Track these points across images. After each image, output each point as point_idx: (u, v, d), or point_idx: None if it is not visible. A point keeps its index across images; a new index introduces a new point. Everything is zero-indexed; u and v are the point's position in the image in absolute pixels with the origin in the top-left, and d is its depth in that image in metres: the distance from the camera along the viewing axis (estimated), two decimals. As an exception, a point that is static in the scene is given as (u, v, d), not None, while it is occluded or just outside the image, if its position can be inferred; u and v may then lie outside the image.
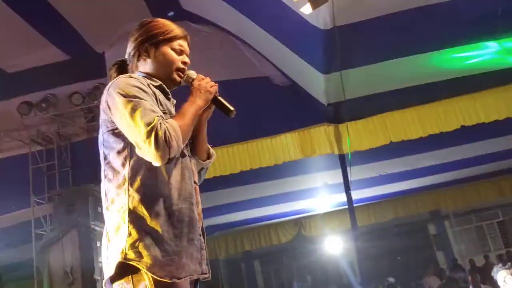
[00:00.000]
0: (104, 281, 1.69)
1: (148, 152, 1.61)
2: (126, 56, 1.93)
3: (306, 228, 12.91)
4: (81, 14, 6.48)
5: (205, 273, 1.76)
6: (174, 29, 1.91)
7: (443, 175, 9.97)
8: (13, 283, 9.21)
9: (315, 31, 4.95)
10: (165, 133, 1.60)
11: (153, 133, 1.58)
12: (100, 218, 6.48)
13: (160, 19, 1.94)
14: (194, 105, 1.79)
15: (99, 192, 5.99)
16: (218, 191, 7.86)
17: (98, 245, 6.24)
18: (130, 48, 1.91)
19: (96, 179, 7.02)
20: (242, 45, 6.93)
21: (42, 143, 7.55)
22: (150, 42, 1.87)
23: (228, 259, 14.13)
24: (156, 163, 1.63)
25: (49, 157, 7.53)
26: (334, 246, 13.20)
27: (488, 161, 9.40)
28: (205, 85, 1.84)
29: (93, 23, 6.80)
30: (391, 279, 11.45)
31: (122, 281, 1.63)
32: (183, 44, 1.92)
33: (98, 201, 6.49)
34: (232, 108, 1.87)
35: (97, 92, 7.26)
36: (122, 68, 1.92)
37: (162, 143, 1.59)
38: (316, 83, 6.04)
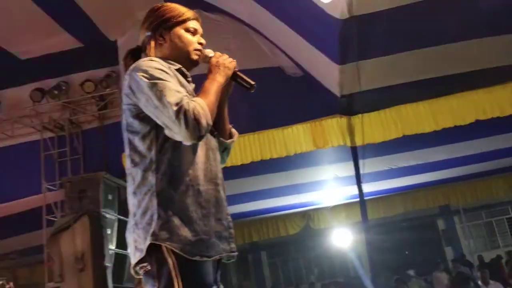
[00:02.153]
0: (132, 265, 1.70)
1: (178, 132, 1.61)
2: (140, 44, 1.93)
3: (314, 221, 12.88)
4: (95, 1, 6.47)
5: (234, 251, 1.79)
6: (186, 11, 1.93)
7: (454, 169, 9.88)
8: (24, 269, 9.30)
9: (331, 21, 4.88)
10: (193, 111, 1.60)
11: (182, 112, 1.59)
12: (111, 205, 6.51)
13: (169, 3, 1.95)
14: (215, 82, 1.79)
15: (110, 180, 6.01)
16: (228, 181, 7.83)
17: (109, 232, 6.27)
18: (143, 35, 1.91)
19: (107, 167, 7.06)
20: (256, 34, 6.88)
21: (54, 130, 7.58)
22: (164, 26, 1.88)
23: (235, 249, 14.18)
24: (187, 142, 1.64)
25: (61, 144, 7.56)
26: (341, 239, 13.19)
27: (501, 156, 9.30)
28: (223, 61, 1.85)
29: (106, 11, 6.79)
30: (411, 272, 11.42)
31: (145, 263, 1.64)
32: (196, 24, 1.93)
33: (109, 189, 6.55)
34: (252, 82, 1.88)
35: (109, 79, 7.28)
36: (137, 55, 1.91)
37: (192, 122, 1.59)
38: (330, 74, 5.97)
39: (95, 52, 7.17)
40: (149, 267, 1.63)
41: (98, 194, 6.31)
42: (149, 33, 1.89)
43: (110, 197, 6.51)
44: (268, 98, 6.70)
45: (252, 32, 6.87)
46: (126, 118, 1.77)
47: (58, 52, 7.08)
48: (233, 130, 2.01)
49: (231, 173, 7.09)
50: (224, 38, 6.81)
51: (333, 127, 6.62)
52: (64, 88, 7.36)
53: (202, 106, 1.65)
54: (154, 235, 1.61)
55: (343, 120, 6.61)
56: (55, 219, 7.01)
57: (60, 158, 7.53)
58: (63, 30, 6.78)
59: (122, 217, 6.48)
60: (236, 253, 1.81)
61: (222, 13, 6.88)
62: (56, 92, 7.32)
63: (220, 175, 1.83)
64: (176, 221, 1.62)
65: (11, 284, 7.48)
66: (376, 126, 6.56)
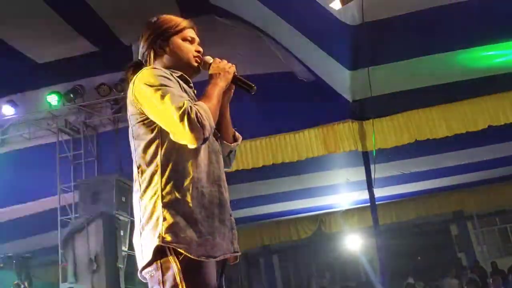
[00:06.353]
0: (139, 270, 1.73)
1: (183, 135, 1.65)
2: (140, 57, 1.98)
3: (326, 225, 12.87)
4: (110, 6, 6.58)
5: (237, 252, 1.82)
6: (182, 21, 1.97)
7: (467, 175, 9.81)
8: (38, 269, 9.43)
9: (343, 27, 4.91)
10: (196, 114, 1.64)
11: (186, 116, 1.62)
12: (124, 207, 6.59)
13: (165, 15, 1.99)
14: (217, 86, 1.84)
15: (124, 182, 6.07)
16: (240, 185, 7.90)
17: (122, 234, 6.36)
18: (143, 48, 1.95)
19: (121, 169, 7.13)
20: (268, 40, 6.93)
21: (70, 132, 7.70)
22: (162, 37, 1.92)
23: (246, 253, 14.20)
24: (192, 145, 1.67)
25: (76, 146, 7.68)
26: (353, 243, 13.15)
27: (514, 162, 9.21)
28: (223, 66, 1.90)
29: (121, 16, 6.89)
30: (410, 280, 11.33)
31: (150, 268, 1.67)
32: (193, 33, 1.98)
33: (122, 191, 6.64)
34: (252, 85, 1.93)
35: (123, 83, 7.38)
36: (139, 69, 1.93)
37: (195, 125, 1.63)
38: (342, 79, 6.00)
39: (110, 57, 7.28)
40: (154, 272, 1.66)
41: (112, 196, 6.40)
42: (148, 46, 1.92)
43: (123, 199, 6.60)
44: (280, 102, 6.76)
45: (264, 38, 6.93)
46: (132, 126, 1.82)
47: (74, 56, 7.22)
48: (237, 134, 2.05)
49: (242, 176, 7.20)
50: (237, 44, 6.88)
51: (344, 132, 6.65)
52: (80, 91, 7.49)
53: (205, 109, 1.69)
54: (160, 237, 1.64)
55: (354, 125, 6.63)
56: (70, 221, 7.12)
57: (75, 160, 7.65)
58: (79, 35, 6.90)
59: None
60: (239, 253, 1.84)
61: (235, 18, 6.94)
62: (72, 95, 7.45)
63: (223, 177, 1.86)
64: (182, 223, 1.65)
65: (26, 284, 7.59)
66: (388, 131, 6.58)
